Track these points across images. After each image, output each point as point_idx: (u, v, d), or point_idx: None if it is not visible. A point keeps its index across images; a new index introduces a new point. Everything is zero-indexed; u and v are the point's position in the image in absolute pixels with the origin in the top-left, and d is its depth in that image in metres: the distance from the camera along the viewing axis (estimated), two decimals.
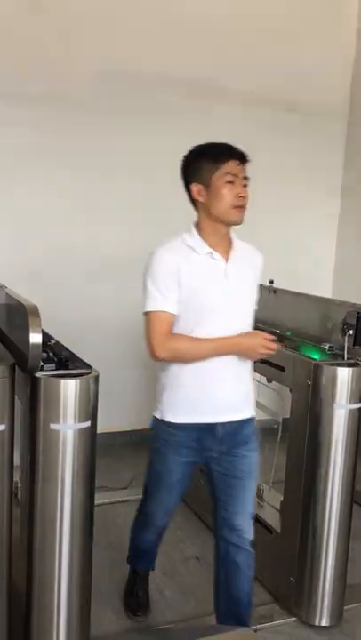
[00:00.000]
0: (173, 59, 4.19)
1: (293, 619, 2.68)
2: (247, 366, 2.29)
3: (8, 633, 2.13)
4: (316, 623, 2.66)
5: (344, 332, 2.78)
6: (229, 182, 2.20)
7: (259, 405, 2.71)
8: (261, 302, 3.37)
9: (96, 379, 2.12)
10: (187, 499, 3.64)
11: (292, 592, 2.71)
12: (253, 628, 2.52)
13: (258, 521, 2.97)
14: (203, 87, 4.30)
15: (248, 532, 2.32)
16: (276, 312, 3.31)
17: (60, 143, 4.02)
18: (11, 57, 3.83)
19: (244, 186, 2.24)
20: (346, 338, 2.75)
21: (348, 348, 2.72)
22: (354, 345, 2.78)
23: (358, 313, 2.80)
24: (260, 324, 3.32)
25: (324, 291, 4.67)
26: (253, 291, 2.33)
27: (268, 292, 3.35)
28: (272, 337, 2.22)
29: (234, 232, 2.33)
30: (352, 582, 2.89)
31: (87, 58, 4.02)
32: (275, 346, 2.21)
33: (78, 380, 2.07)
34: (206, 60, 4.29)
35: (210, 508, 3.39)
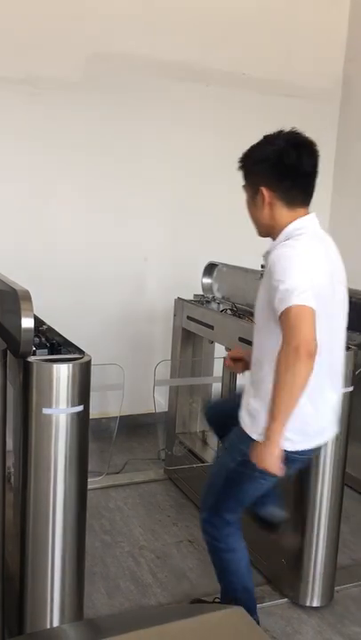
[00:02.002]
0: (164, 41, 4.14)
1: (285, 600, 2.71)
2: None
3: (2, 615, 2.15)
4: (308, 604, 2.69)
5: None
6: None
7: None
8: (253, 288, 3.39)
9: (88, 363, 2.12)
10: (179, 482, 3.67)
11: (284, 574, 2.74)
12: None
13: None
14: (193, 70, 4.27)
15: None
16: None
17: (47, 125, 3.98)
18: None
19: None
20: None
21: None
22: (346, 329, 2.79)
23: (350, 297, 2.80)
24: (252, 308, 3.33)
25: None
26: (262, 300, 2.09)
27: (260, 277, 3.34)
28: None
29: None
30: (343, 564, 2.92)
31: (76, 41, 3.97)
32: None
33: (70, 365, 2.07)
34: (197, 43, 4.25)
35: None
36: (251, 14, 4.36)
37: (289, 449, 2.01)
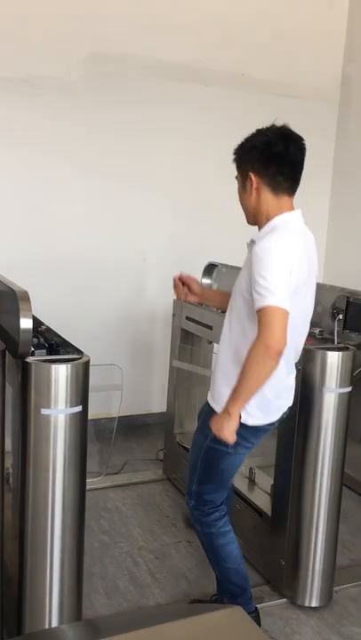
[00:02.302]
0: (163, 42, 4.15)
1: (284, 600, 2.72)
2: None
3: (1, 616, 2.15)
4: (306, 604, 2.69)
5: (334, 317, 2.80)
6: None
7: None
8: None
9: (87, 364, 2.12)
10: (177, 482, 3.67)
11: (283, 574, 2.74)
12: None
13: (249, 504, 3.00)
14: (192, 71, 4.27)
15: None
16: None
17: (46, 125, 3.98)
18: None
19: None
20: (335, 322, 2.76)
21: (337, 332, 2.74)
22: (344, 329, 2.80)
23: (348, 297, 2.81)
24: None
25: None
26: (240, 287, 2.23)
27: None
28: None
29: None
30: (341, 564, 2.93)
31: (76, 41, 3.97)
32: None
33: (69, 365, 2.08)
34: (196, 44, 4.25)
35: None
36: (250, 15, 4.37)
37: (251, 423, 2.23)
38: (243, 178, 2.25)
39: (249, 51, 4.42)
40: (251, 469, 3.23)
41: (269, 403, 2.25)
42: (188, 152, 4.34)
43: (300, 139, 2.23)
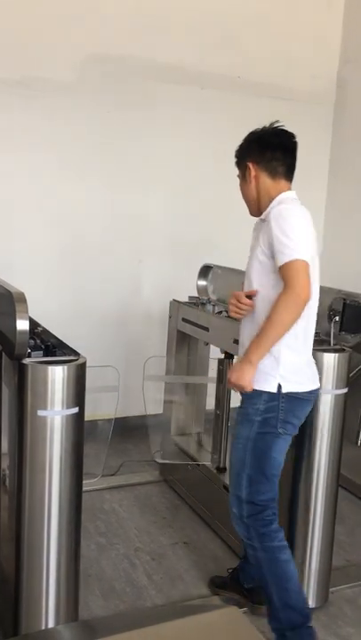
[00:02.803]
0: (159, 44, 4.15)
1: None
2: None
3: None
4: None
5: (330, 319, 2.80)
6: None
7: None
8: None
9: (83, 365, 2.13)
10: (174, 484, 3.67)
11: None
12: (241, 610, 2.56)
13: None
14: (188, 73, 4.28)
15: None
16: None
17: (44, 127, 3.98)
18: None
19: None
20: (332, 324, 2.77)
21: (334, 334, 2.74)
22: (340, 331, 2.81)
23: (344, 299, 2.82)
24: None
25: None
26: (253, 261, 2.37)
27: None
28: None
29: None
30: (337, 565, 2.93)
31: (74, 43, 3.98)
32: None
33: (66, 367, 2.08)
34: (192, 46, 4.26)
35: (197, 493, 3.43)
36: (246, 17, 4.38)
37: (290, 389, 2.28)
38: (242, 171, 2.41)
39: (245, 53, 4.43)
40: None
41: (300, 369, 2.32)
42: (185, 154, 4.34)
43: (292, 134, 2.41)
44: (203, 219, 4.41)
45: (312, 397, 2.39)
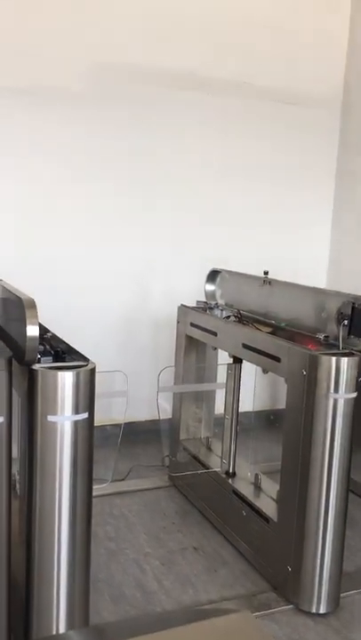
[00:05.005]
0: (165, 50, 4.17)
1: (290, 606, 2.71)
2: None
3: (8, 623, 2.15)
4: (313, 611, 2.69)
5: (339, 322, 2.80)
6: None
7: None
8: (256, 294, 3.40)
9: (93, 371, 2.13)
10: (183, 489, 3.67)
11: (289, 580, 2.73)
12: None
13: (254, 510, 3.00)
14: (194, 79, 4.30)
15: None
16: (270, 303, 3.32)
17: (49, 135, 4.01)
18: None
19: None
20: (341, 328, 2.76)
21: (342, 337, 2.74)
22: (349, 335, 2.80)
23: (353, 303, 2.82)
24: (255, 315, 3.35)
25: (319, 281, 4.69)
26: None
27: (263, 284, 3.36)
28: None
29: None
30: (348, 570, 2.92)
31: (79, 50, 4.00)
32: None
33: (75, 372, 2.09)
34: (198, 52, 4.28)
35: (206, 498, 3.43)
36: (252, 23, 4.39)
37: None
38: None
39: (251, 59, 4.44)
40: (256, 475, 3.23)
41: None
42: (191, 160, 4.35)
43: None
44: (211, 224, 4.41)
45: None
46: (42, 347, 2.27)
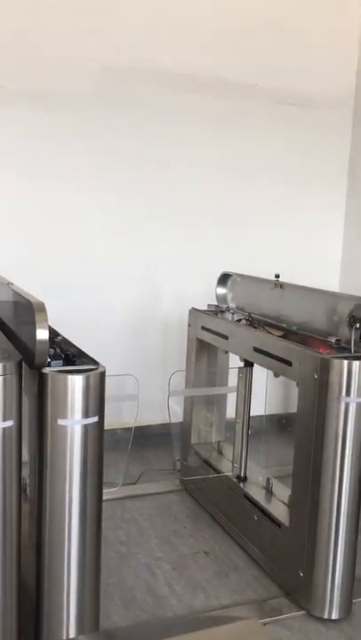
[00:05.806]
0: (174, 53, 4.18)
1: (302, 612, 2.69)
2: None
3: (18, 626, 2.15)
4: (325, 616, 2.66)
5: (351, 326, 2.78)
6: None
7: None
8: (267, 298, 3.39)
9: (103, 374, 2.13)
10: (194, 493, 3.65)
11: (301, 586, 2.71)
12: (262, 621, 2.53)
13: (266, 515, 2.98)
14: (205, 81, 4.30)
15: None
16: (282, 306, 3.31)
17: (56, 137, 4.02)
18: (5, 53, 3.83)
19: None
20: (353, 331, 2.74)
21: (354, 341, 2.72)
22: (360, 338, 2.78)
23: None
24: (267, 318, 3.33)
25: (331, 284, 4.66)
26: None
27: (275, 287, 3.35)
28: None
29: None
30: (360, 576, 2.89)
31: (85, 54, 4.01)
32: None
33: (85, 376, 2.08)
34: (209, 54, 4.28)
35: (218, 502, 3.41)
36: (262, 25, 4.39)
37: None
38: None
39: (262, 61, 4.44)
40: (268, 480, 3.21)
41: None
42: (202, 163, 4.35)
43: None
44: (221, 227, 4.40)
45: None
46: (52, 350, 2.27)
